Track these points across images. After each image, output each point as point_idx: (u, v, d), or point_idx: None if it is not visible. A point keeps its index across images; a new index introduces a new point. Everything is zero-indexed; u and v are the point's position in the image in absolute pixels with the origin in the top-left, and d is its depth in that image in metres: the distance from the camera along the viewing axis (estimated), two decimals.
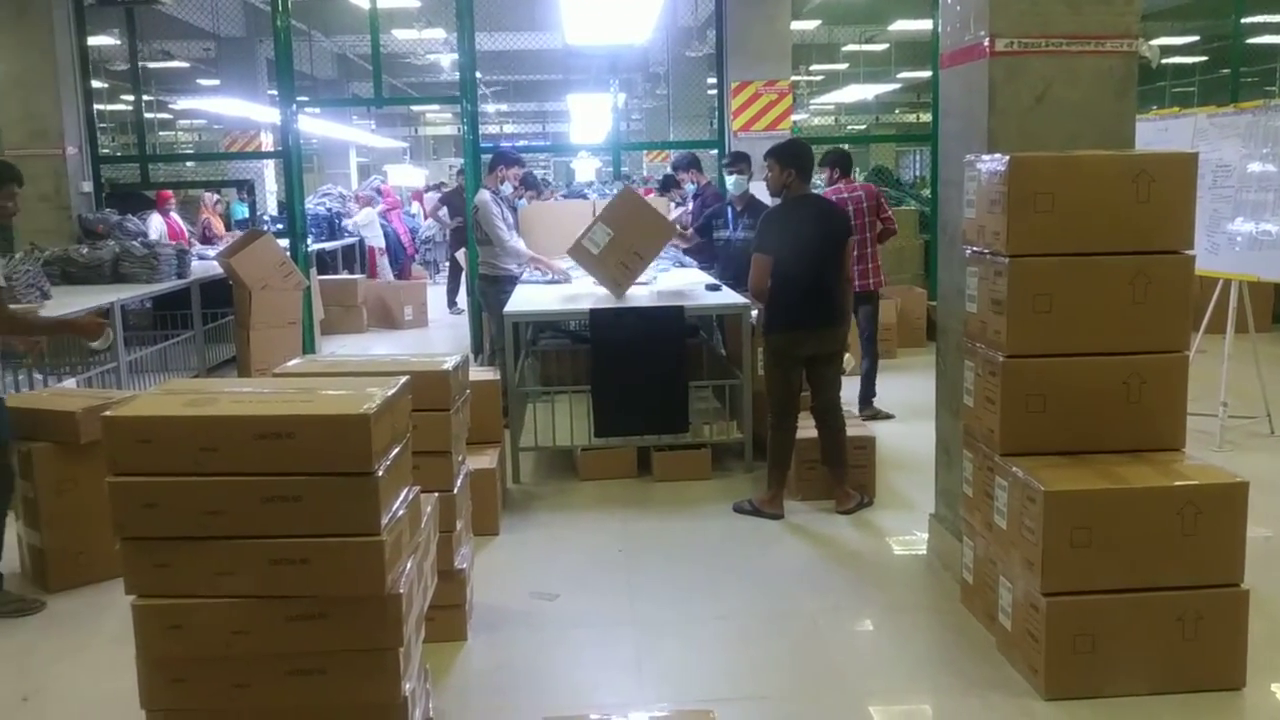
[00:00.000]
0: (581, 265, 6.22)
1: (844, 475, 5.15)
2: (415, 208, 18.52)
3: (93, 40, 9.58)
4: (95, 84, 9.67)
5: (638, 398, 5.60)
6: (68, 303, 6.75)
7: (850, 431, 5.23)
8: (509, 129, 29.14)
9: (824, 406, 5.14)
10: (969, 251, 3.80)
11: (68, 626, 4.10)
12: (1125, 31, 3.87)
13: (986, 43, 3.85)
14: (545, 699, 3.39)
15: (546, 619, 4.07)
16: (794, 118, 10.03)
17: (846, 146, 7.61)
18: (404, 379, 2.74)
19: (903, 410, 6.96)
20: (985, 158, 3.67)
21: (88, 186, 9.07)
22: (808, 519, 5.09)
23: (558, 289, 6.67)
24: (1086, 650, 3.27)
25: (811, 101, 24.43)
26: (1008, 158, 3.49)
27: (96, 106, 9.58)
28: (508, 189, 7.28)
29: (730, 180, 6.73)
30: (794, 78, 10.73)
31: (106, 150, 10.06)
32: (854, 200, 6.62)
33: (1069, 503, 3.23)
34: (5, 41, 8.67)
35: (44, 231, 8.56)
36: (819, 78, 22.17)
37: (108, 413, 2.43)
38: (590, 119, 16.99)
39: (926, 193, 11.70)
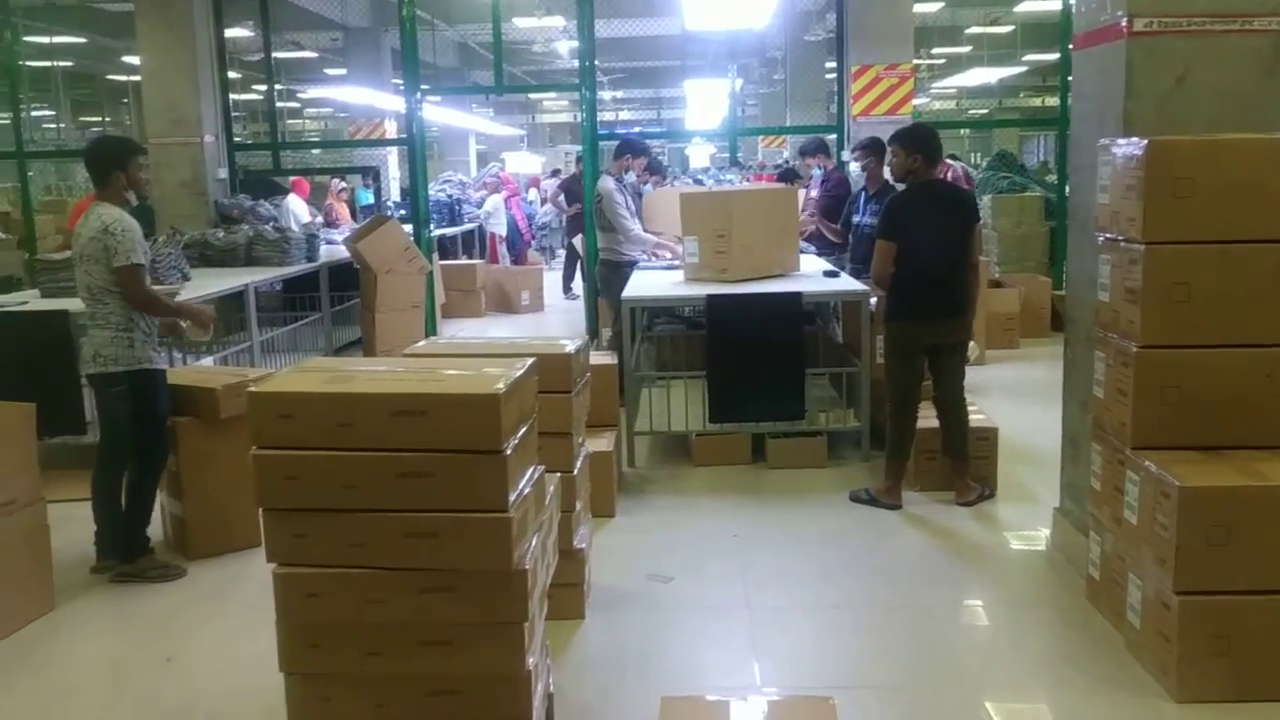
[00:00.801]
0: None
1: (965, 467, 5.06)
2: (533, 194, 18.77)
3: (228, 32, 9.94)
4: (230, 75, 10.04)
5: (753, 384, 5.59)
6: (206, 284, 7.06)
7: (972, 422, 5.13)
8: (624, 115, 29.27)
9: (946, 397, 5.05)
10: (1102, 238, 3.69)
11: (207, 593, 4.30)
12: (1275, 9, 3.70)
13: (1124, 22, 3.72)
14: (660, 680, 3.42)
15: (662, 601, 4.11)
16: (914, 102, 9.82)
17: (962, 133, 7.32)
18: (530, 361, 2.80)
19: (1025, 401, 6.79)
20: (1121, 142, 3.56)
21: (223, 173, 9.44)
22: (926, 510, 5.02)
23: (675, 274, 6.70)
24: (1222, 653, 3.16)
25: (932, 85, 23.91)
26: (1145, 141, 3.37)
27: (230, 96, 9.95)
28: (631, 177, 7.33)
29: (856, 166, 6.65)
30: (915, 61, 10.51)
31: (240, 138, 10.42)
32: None
33: (1206, 499, 3.12)
34: (149, 36, 9.07)
35: (183, 216, 8.94)
36: (941, 61, 21.68)
37: (253, 388, 2.54)
38: (706, 105, 16.95)
39: (1051, 178, 11.36)
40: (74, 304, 6.01)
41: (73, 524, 4.80)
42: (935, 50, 20.26)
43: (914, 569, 4.39)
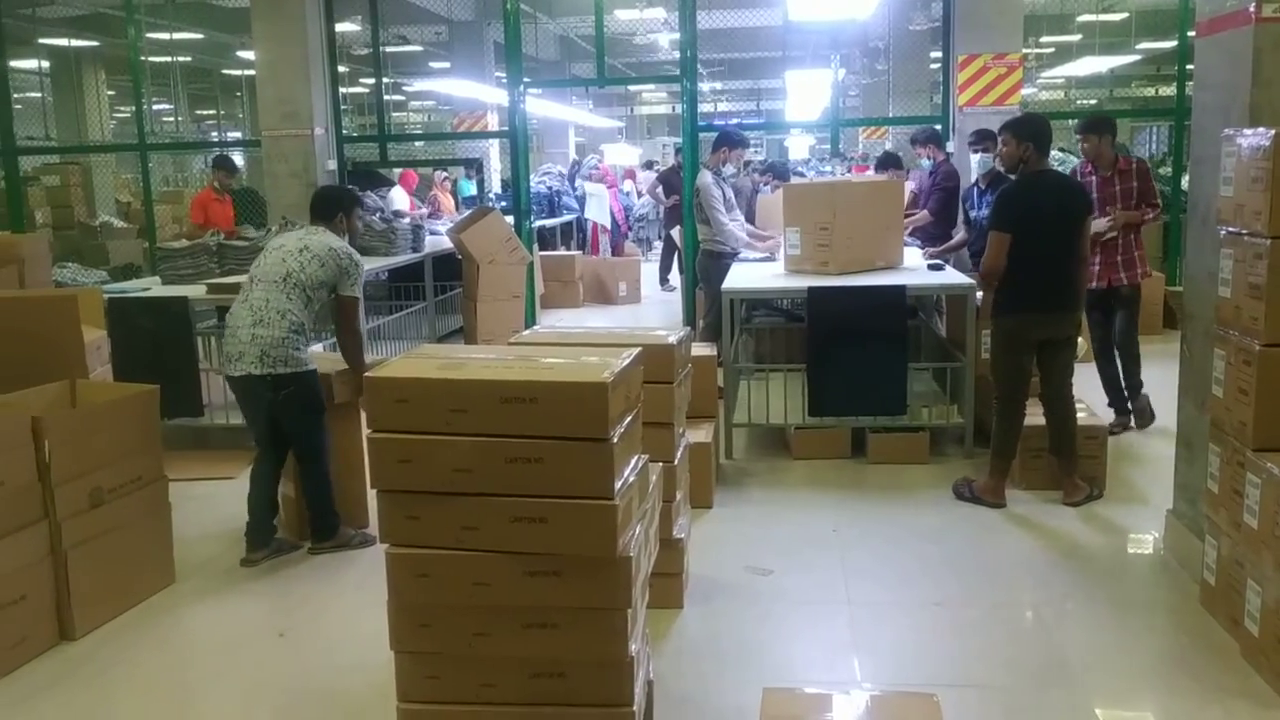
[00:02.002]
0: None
1: (1073, 466, 4.95)
2: (629, 186, 18.84)
3: (338, 27, 10.18)
4: (339, 68, 10.28)
5: (854, 377, 5.54)
6: None
7: (1080, 420, 5.01)
8: (723, 107, 29.15)
9: (1054, 394, 4.94)
10: (1224, 232, 3.57)
11: (319, 572, 4.44)
12: None
13: (1253, 8, 3.58)
14: (759, 671, 3.43)
15: (760, 593, 4.11)
16: (1022, 92, 9.58)
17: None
18: (636, 350, 2.82)
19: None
20: (1247, 132, 3.43)
21: (332, 165, 9.67)
22: (1031, 509, 4.92)
23: (775, 266, 6.67)
24: None
25: (1040, 75, 23.27)
26: (1273, 131, 3.24)
27: (339, 90, 10.19)
28: (730, 170, 7.32)
29: (975, 158, 6.52)
30: (1024, 50, 10.26)
31: (347, 131, 10.68)
32: None
33: None
34: (263, 32, 9.34)
35: (293, 206, 9.19)
36: (1049, 50, 21.08)
37: (369, 374, 2.62)
38: (806, 96, 16.79)
39: (1165, 170, 10.98)
40: (194, 290, 6.27)
41: (191, 503, 5.01)
42: (1044, 39, 19.71)
43: (1018, 568, 4.31)
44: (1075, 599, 4.01)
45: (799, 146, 24.82)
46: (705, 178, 7.16)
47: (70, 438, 3.81)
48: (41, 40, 14.95)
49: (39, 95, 16.64)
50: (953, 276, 5.98)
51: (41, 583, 3.72)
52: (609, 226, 14.48)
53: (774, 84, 24.12)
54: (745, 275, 6.41)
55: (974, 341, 5.61)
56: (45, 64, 16.34)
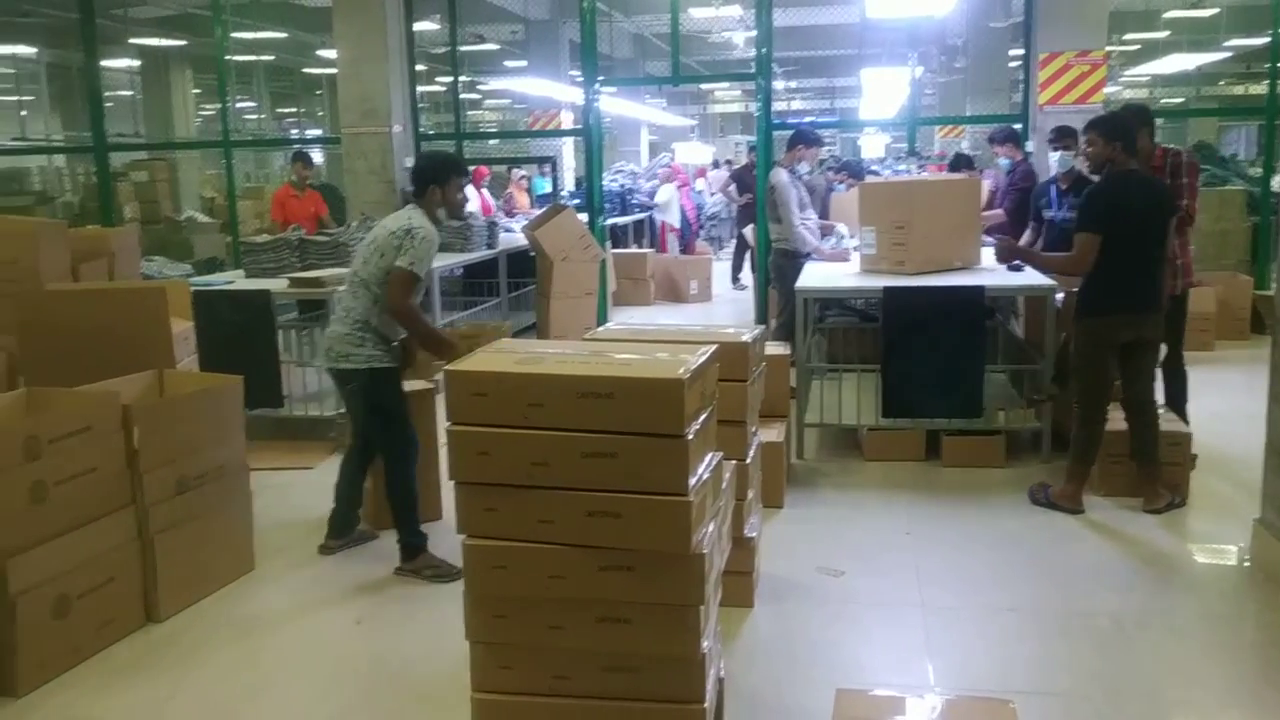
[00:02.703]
0: None
1: (1155, 472, 4.83)
2: (700, 184, 18.82)
3: (416, 26, 10.32)
4: (417, 67, 10.43)
5: (930, 379, 5.47)
6: None
7: (1164, 426, 4.89)
8: (797, 105, 28.97)
9: (1138, 397, 4.83)
10: None
11: (392, 561, 4.48)
12: None
13: None
14: (830, 672, 3.41)
15: (832, 594, 4.09)
16: (1105, 90, 9.37)
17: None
18: (712, 348, 2.82)
19: (1221, 407, 6.41)
20: None
21: (409, 162, 9.81)
22: (1110, 516, 4.81)
23: (850, 265, 6.61)
24: None
25: (1124, 73, 22.75)
26: None
27: (417, 88, 10.33)
28: (804, 168, 7.28)
29: (1055, 156, 6.40)
30: (1107, 47, 10.03)
31: (424, 129, 10.82)
32: None
33: None
34: (345, 30, 9.52)
35: (372, 203, 9.36)
36: (1134, 47, 20.59)
37: (449, 367, 2.66)
38: (882, 94, 16.61)
39: (1256, 170, 10.66)
40: (276, 284, 6.41)
41: (271, 491, 5.13)
42: (1127, 36, 19.25)
43: (1097, 576, 4.22)
44: (1156, 608, 3.92)
45: (873, 145, 24.56)
46: (780, 176, 7.13)
47: (158, 426, 3.92)
48: (132, 40, 15.40)
49: (129, 93, 17.13)
50: (1033, 277, 5.86)
51: (129, 566, 3.84)
52: (677, 225, 14.49)
53: (849, 82, 23.92)
54: (819, 274, 6.36)
55: (1053, 343, 5.50)
56: (135, 63, 16.83)
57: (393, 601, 4.13)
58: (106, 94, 11.39)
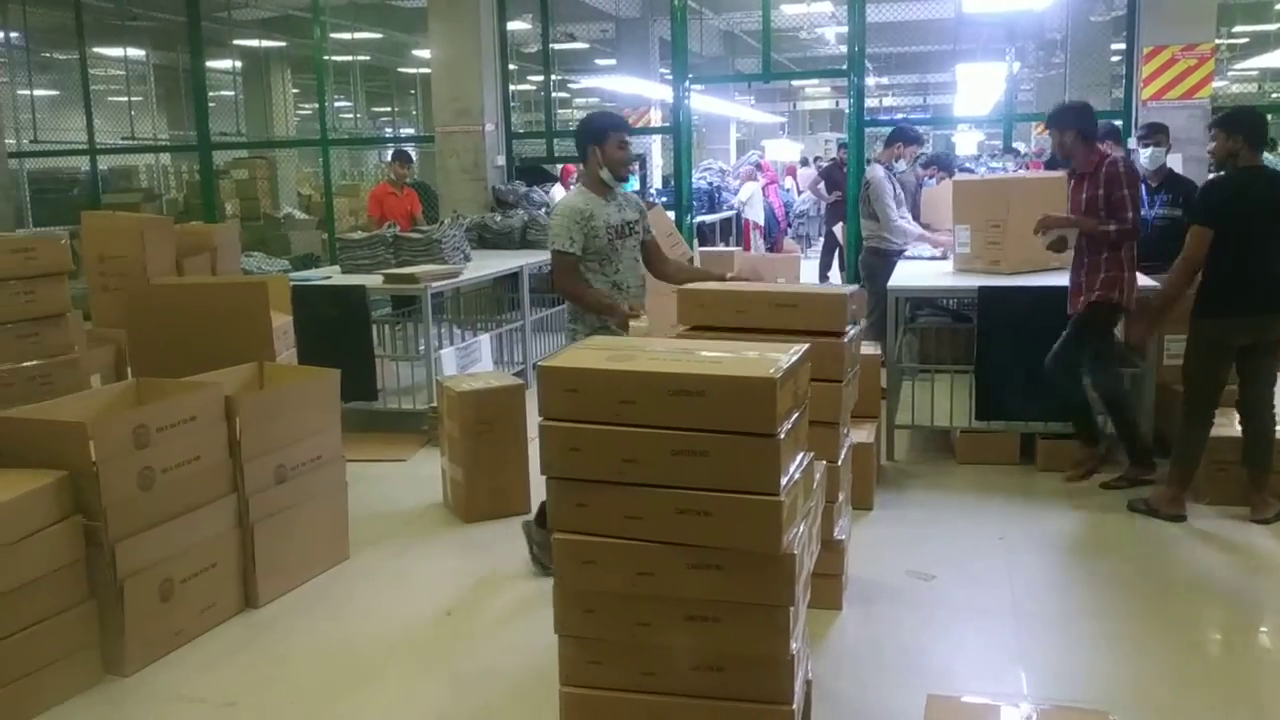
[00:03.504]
0: None
1: (1265, 480, 4.65)
2: (789, 182, 18.69)
3: (509, 25, 10.44)
4: (509, 66, 10.55)
5: (1025, 381, 5.35)
6: (484, 265, 7.48)
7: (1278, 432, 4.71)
8: (888, 101, 28.58)
9: (1254, 401, 4.66)
10: None
11: (482, 555, 4.57)
12: None
13: None
14: (920, 678, 3.36)
15: (922, 599, 4.03)
16: (1212, 84, 9.05)
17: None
18: (805, 347, 2.80)
19: None
20: None
21: (501, 160, 9.94)
22: (1214, 524, 4.66)
23: (943, 264, 6.50)
24: None
25: (1232, 67, 21.95)
26: None
27: (509, 86, 10.45)
28: (901, 165, 7.19)
29: (1145, 153, 6.21)
30: (1215, 41, 9.68)
31: (516, 127, 10.94)
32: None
33: None
34: (440, 30, 9.67)
35: (464, 200, 9.50)
36: (1243, 40, 19.86)
37: (542, 363, 2.68)
38: (977, 90, 16.28)
39: None
40: (371, 280, 6.54)
41: (364, 483, 5.24)
42: (1237, 28, 18.57)
43: (1199, 586, 4.09)
44: (1264, 622, 3.78)
45: (967, 142, 24.11)
46: (876, 171, 7.05)
47: (259, 417, 4.03)
48: (235, 41, 15.86)
49: (231, 94, 17.63)
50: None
51: (230, 552, 3.95)
52: (761, 223, 14.41)
53: (942, 78, 23.52)
54: (912, 273, 6.27)
55: (1156, 347, 5.34)
56: (237, 64, 17.32)
57: (483, 595, 4.18)
58: (210, 94, 11.72)
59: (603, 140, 4.21)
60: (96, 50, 14.29)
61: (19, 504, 3.24)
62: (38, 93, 14.92)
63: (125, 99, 17.11)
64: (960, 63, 15.95)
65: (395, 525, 4.90)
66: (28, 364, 3.89)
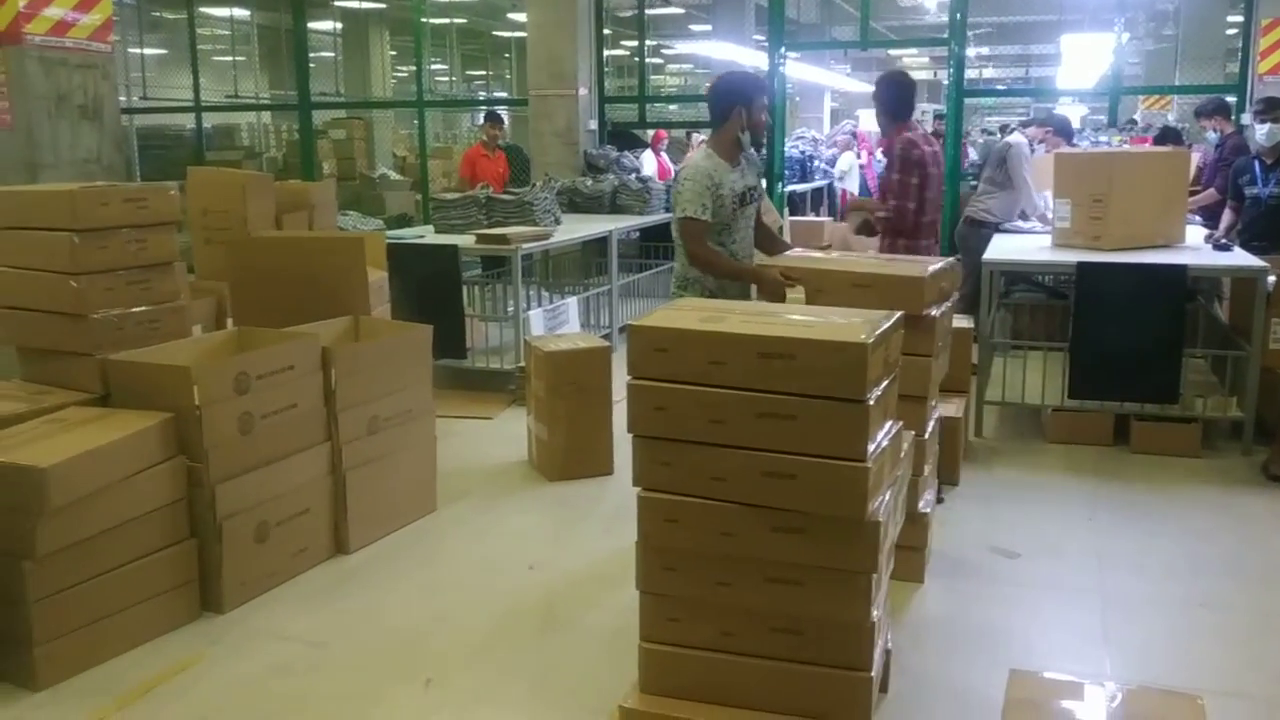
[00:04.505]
0: None
1: None
2: (881, 154, 18.37)
3: None
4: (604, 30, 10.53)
5: (1122, 361, 5.22)
6: (575, 229, 7.52)
7: None
8: (988, 73, 27.88)
9: None
10: None
11: (565, 512, 4.63)
12: None
13: None
14: (1001, 654, 3.32)
15: (1005, 576, 3.98)
16: None
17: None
18: (897, 315, 2.77)
19: None
20: None
21: (593, 125, 9.94)
22: None
23: (1041, 239, 6.36)
24: None
25: None
26: None
27: (604, 51, 10.43)
28: (1042, 149, 7.10)
29: (1261, 130, 5.98)
30: None
31: (608, 92, 10.93)
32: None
33: None
34: None
35: (556, 164, 9.54)
36: None
37: (633, 322, 2.70)
38: (1082, 62, 15.80)
39: None
40: (464, 240, 6.63)
41: (452, 438, 5.34)
42: None
43: None
44: None
45: (1069, 115, 23.42)
46: (1020, 140, 6.96)
47: (353, 369, 4.13)
48: (336, 3, 16.10)
49: (331, 55, 17.95)
50: (1242, 258, 5.51)
51: (322, 499, 4.07)
52: (857, 194, 14.21)
53: (1045, 49, 22.86)
54: (1008, 247, 6.14)
55: (1263, 329, 5.16)
56: (338, 25, 17.60)
57: (564, 551, 4.25)
58: (310, 55, 11.94)
59: (750, 102, 4.01)
60: (203, 10, 14.63)
61: (129, 442, 3.38)
62: (147, 51, 15.36)
63: (230, 58, 17.53)
64: (1066, 33, 15.48)
65: (481, 480, 4.99)
66: (137, 309, 4.02)
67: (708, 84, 14.92)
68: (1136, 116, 14.94)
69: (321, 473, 4.06)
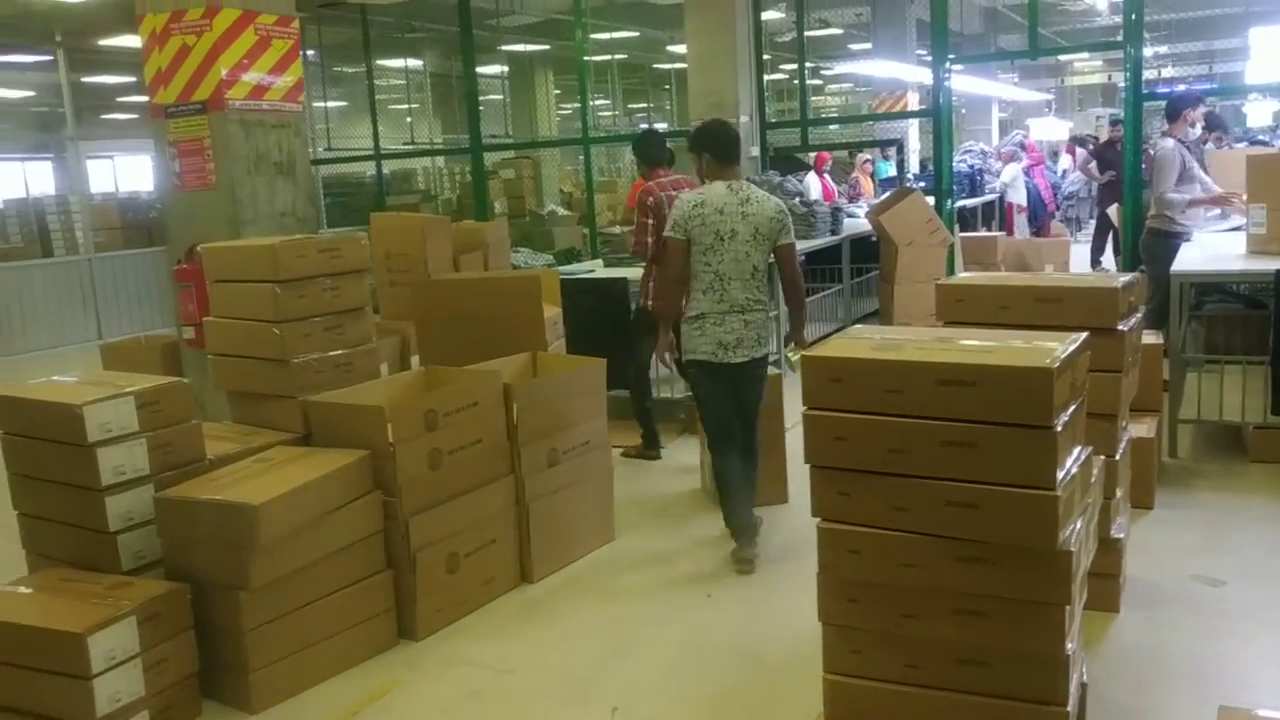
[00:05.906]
0: None
1: None
2: (1065, 161, 17.69)
3: (764, 15, 10.44)
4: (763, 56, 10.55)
5: None
6: None
7: None
8: (1167, 73, 26.55)
9: None
10: None
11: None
12: None
13: None
14: (1205, 688, 3.16)
15: (1208, 605, 3.77)
16: None
17: None
18: (1083, 336, 2.69)
19: None
20: None
21: (755, 151, 9.97)
22: None
23: (1235, 246, 6.01)
24: None
25: None
26: None
27: (764, 77, 10.45)
28: (1195, 132, 6.73)
29: None
30: None
31: (769, 117, 10.94)
32: None
33: None
34: (695, 25, 9.81)
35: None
36: None
37: (806, 353, 2.71)
38: (1274, 55, 14.84)
39: None
40: (631, 272, 6.74)
41: (626, 468, 5.44)
42: None
43: None
44: None
45: (1259, 113, 22.05)
46: (1166, 143, 6.64)
47: (534, 403, 4.28)
48: (502, 47, 16.69)
49: (499, 97, 18.58)
50: None
51: (508, 530, 4.22)
52: (1025, 205, 13.75)
53: (1231, 44, 21.63)
54: (1198, 257, 5.84)
55: None
56: (505, 69, 18.23)
57: (743, 581, 4.26)
58: (480, 98, 12.41)
59: (700, 154, 4.70)
60: (380, 62, 15.42)
61: (330, 479, 3.59)
62: (330, 104, 16.27)
63: (405, 106, 18.37)
64: (1255, 26, 14.60)
65: (657, 510, 5.06)
66: (333, 353, 4.28)
67: (877, 103, 14.73)
68: None
69: (506, 504, 4.21)
